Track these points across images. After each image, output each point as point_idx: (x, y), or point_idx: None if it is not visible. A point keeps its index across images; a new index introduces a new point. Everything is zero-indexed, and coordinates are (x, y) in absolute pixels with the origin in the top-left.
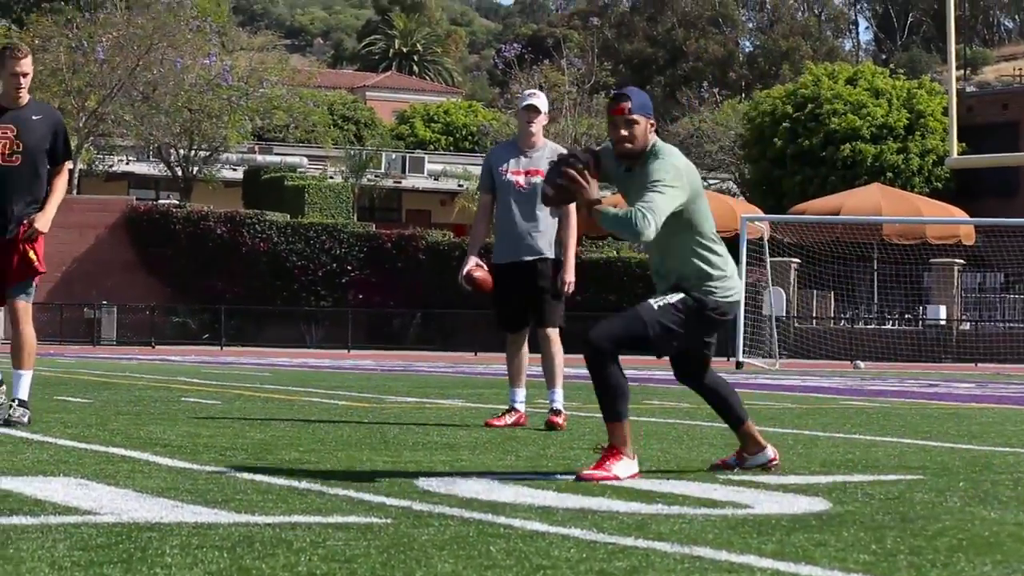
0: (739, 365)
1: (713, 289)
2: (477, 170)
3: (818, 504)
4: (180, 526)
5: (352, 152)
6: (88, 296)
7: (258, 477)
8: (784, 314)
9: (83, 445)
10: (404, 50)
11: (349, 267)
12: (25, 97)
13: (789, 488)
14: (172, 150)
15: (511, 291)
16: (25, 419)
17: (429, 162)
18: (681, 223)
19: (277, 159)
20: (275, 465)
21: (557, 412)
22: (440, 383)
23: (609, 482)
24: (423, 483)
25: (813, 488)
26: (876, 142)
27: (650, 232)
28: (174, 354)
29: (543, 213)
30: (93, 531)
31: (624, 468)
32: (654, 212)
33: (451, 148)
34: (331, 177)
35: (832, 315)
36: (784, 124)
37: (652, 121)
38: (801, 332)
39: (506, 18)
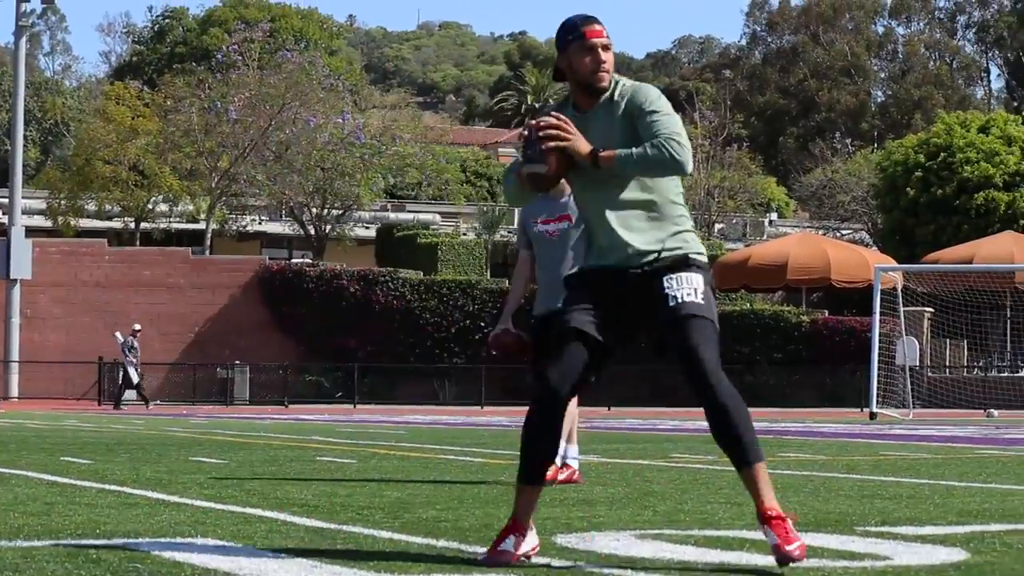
0: (873, 416)
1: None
2: None
3: (956, 555)
4: None
5: (485, 209)
6: (221, 356)
7: (396, 536)
8: (917, 363)
9: (220, 506)
10: (536, 105)
11: (482, 323)
12: None
13: (927, 539)
14: (305, 209)
15: None
16: None
17: None
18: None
19: (410, 217)
20: (413, 524)
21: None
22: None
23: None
24: (561, 539)
25: (951, 538)
26: (1009, 190)
27: (690, 160)
28: (308, 413)
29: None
30: None
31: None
32: (683, 136)
33: None
34: (464, 234)
35: (965, 364)
36: (917, 173)
37: None
38: (934, 381)
39: (639, 72)
